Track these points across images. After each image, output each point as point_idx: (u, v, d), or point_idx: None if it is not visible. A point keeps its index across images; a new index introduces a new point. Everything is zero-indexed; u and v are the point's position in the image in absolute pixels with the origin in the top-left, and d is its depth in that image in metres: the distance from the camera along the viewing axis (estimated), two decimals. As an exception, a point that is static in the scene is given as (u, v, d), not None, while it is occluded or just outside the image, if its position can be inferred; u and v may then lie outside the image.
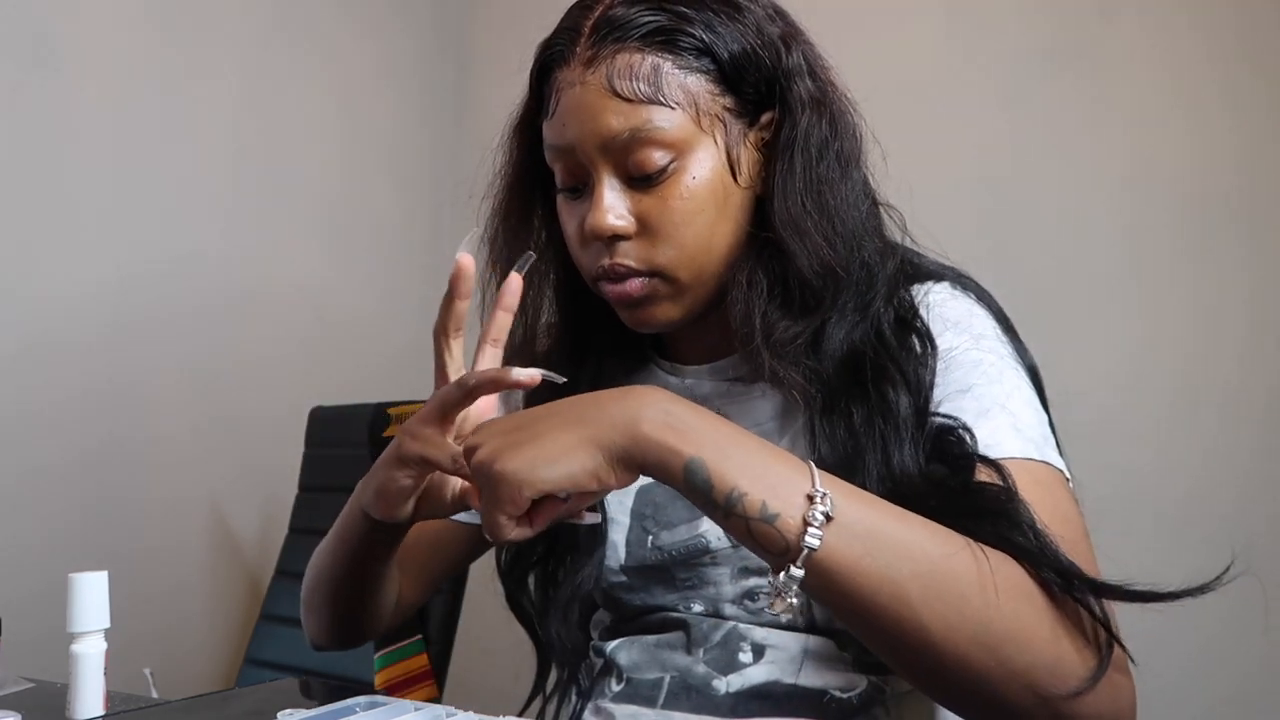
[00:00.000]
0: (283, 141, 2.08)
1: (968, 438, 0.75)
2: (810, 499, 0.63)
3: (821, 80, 0.85)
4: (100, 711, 0.83)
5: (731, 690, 0.82)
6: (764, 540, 0.64)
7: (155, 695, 1.21)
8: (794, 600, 0.63)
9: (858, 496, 0.66)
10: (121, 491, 1.78)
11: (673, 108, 0.79)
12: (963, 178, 1.77)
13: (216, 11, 1.95)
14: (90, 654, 0.84)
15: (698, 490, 0.64)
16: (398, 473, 0.78)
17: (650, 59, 0.79)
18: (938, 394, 0.78)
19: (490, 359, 0.81)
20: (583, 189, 0.83)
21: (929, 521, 0.66)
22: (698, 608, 0.85)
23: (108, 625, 0.85)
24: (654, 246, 0.81)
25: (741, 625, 0.84)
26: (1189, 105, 1.65)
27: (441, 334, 0.79)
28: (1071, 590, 0.65)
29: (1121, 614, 0.68)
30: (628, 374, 0.95)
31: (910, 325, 0.81)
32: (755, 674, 0.82)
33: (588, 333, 0.93)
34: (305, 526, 1.87)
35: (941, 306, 0.83)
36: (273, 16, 2.06)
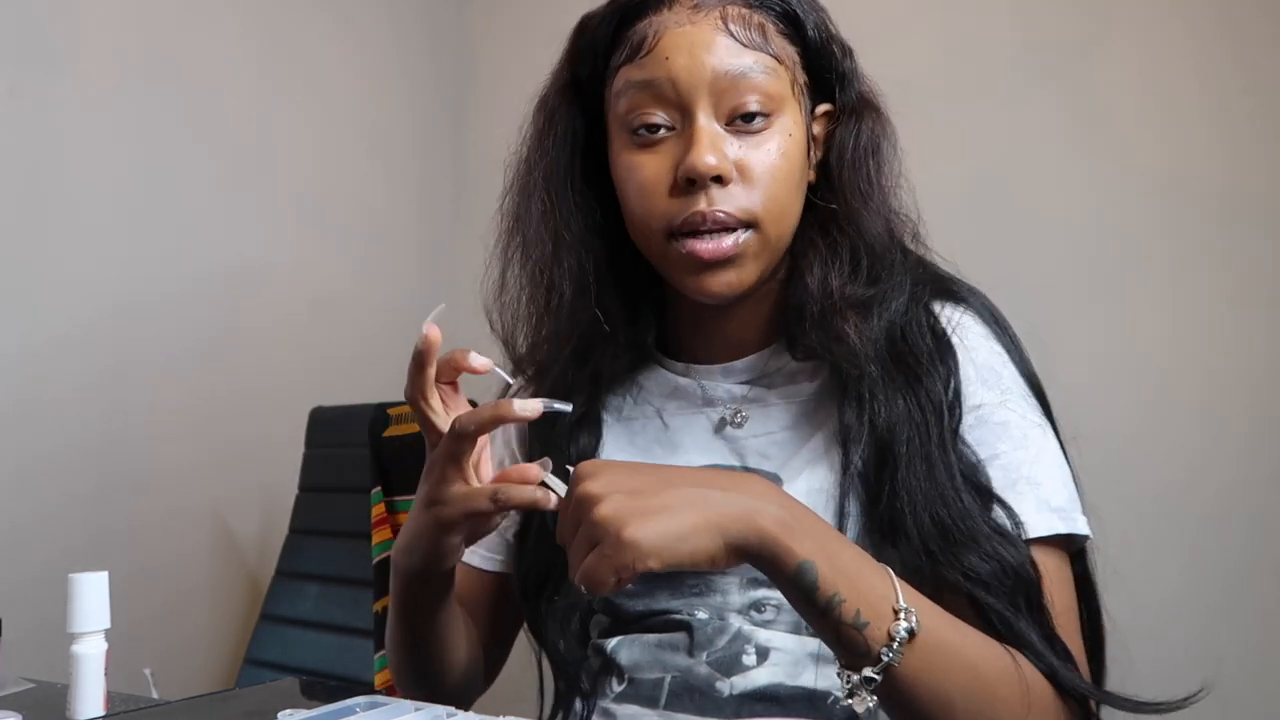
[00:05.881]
0: (283, 139, 2.07)
1: (985, 478, 0.79)
2: (896, 613, 0.67)
3: (869, 87, 0.89)
4: (100, 712, 0.83)
5: (735, 692, 0.82)
6: (848, 643, 0.67)
7: (155, 695, 1.21)
8: (870, 702, 0.67)
9: (926, 604, 0.70)
10: (122, 492, 1.77)
11: (779, 61, 0.81)
12: (957, 180, 1.76)
13: (216, 8, 1.95)
14: (90, 654, 0.84)
15: (802, 589, 0.67)
16: (448, 539, 0.77)
17: (756, 16, 0.82)
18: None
19: (457, 403, 0.80)
20: (667, 132, 0.81)
21: (981, 635, 0.72)
22: (702, 614, 0.85)
23: (108, 625, 0.85)
24: (750, 195, 0.80)
25: (746, 628, 0.83)
26: (1187, 105, 1.64)
27: (418, 399, 0.77)
28: (1089, 714, 0.75)
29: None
30: (629, 371, 0.93)
31: (941, 337, 0.84)
32: (759, 676, 0.82)
33: (588, 340, 0.90)
34: (305, 527, 1.87)
35: (975, 349, 0.85)
36: (273, 11, 2.06)
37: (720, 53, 0.79)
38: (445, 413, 0.78)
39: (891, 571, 0.70)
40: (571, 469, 0.69)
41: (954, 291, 0.88)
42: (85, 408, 1.73)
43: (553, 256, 0.88)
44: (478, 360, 0.76)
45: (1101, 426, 1.60)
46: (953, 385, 0.81)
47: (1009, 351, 0.86)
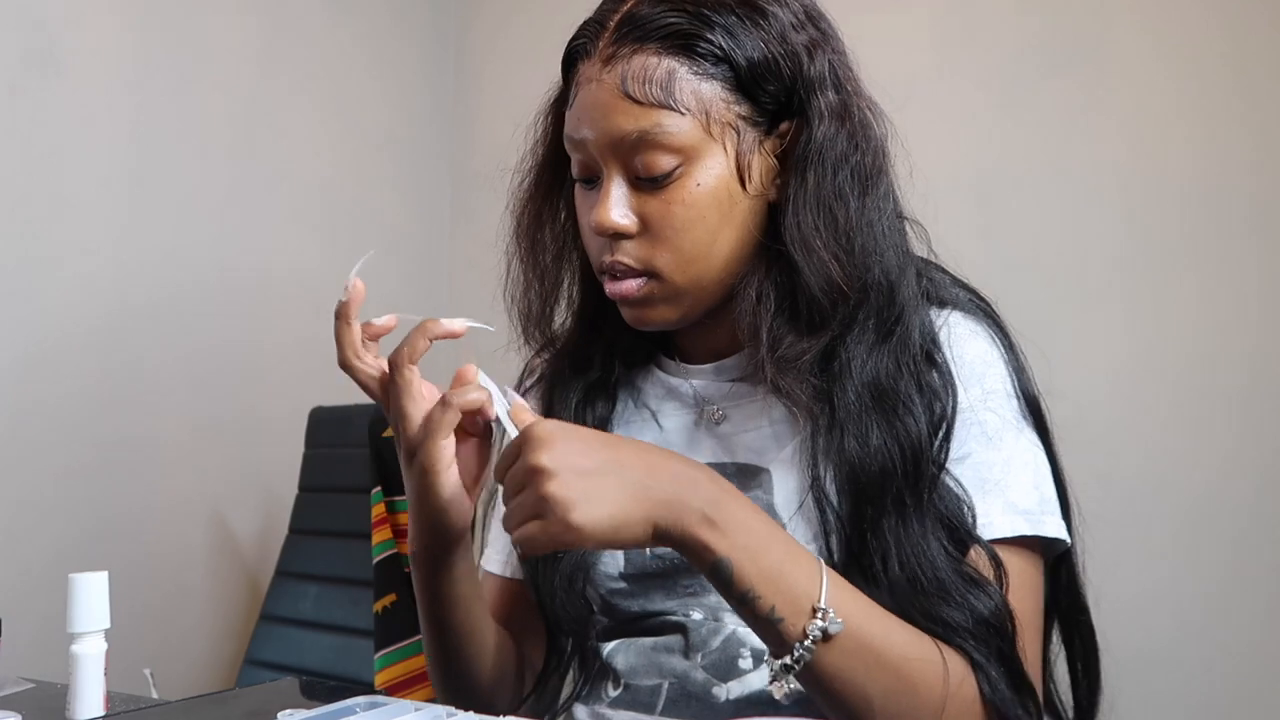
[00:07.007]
0: (282, 139, 2.07)
1: (970, 517, 0.78)
2: (814, 612, 0.70)
3: (846, 91, 0.83)
4: (100, 712, 0.83)
5: (732, 697, 0.82)
6: (765, 636, 0.72)
7: (155, 695, 1.21)
8: (791, 687, 0.71)
9: (854, 604, 0.72)
10: (122, 492, 1.78)
11: (683, 113, 0.79)
12: (959, 178, 1.76)
13: (215, 10, 1.95)
14: (90, 654, 0.84)
15: (719, 581, 0.71)
16: (419, 462, 0.77)
17: (666, 63, 0.79)
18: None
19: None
20: (595, 182, 0.84)
21: (908, 630, 0.73)
22: (697, 615, 0.85)
23: (108, 625, 0.85)
24: (653, 248, 0.81)
25: (741, 630, 0.83)
26: (1188, 102, 1.64)
27: (349, 359, 0.79)
28: None
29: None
30: (630, 370, 0.95)
31: (934, 361, 0.82)
32: (756, 680, 0.82)
33: (603, 315, 0.93)
34: (305, 527, 1.87)
35: (961, 345, 0.84)
36: (271, 12, 2.06)
37: (618, 119, 0.79)
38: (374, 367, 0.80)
39: (824, 567, 0.71)
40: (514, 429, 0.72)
41: (945, 297, 0.87)
42: (85, 408, 1.74)
43: (562, 253, 0.93)
44: (453, 322, 0.77)
45: (1115, 429, 1.62)
46: (946, 415, 0.80)
47: (999, 350, 0.86)
